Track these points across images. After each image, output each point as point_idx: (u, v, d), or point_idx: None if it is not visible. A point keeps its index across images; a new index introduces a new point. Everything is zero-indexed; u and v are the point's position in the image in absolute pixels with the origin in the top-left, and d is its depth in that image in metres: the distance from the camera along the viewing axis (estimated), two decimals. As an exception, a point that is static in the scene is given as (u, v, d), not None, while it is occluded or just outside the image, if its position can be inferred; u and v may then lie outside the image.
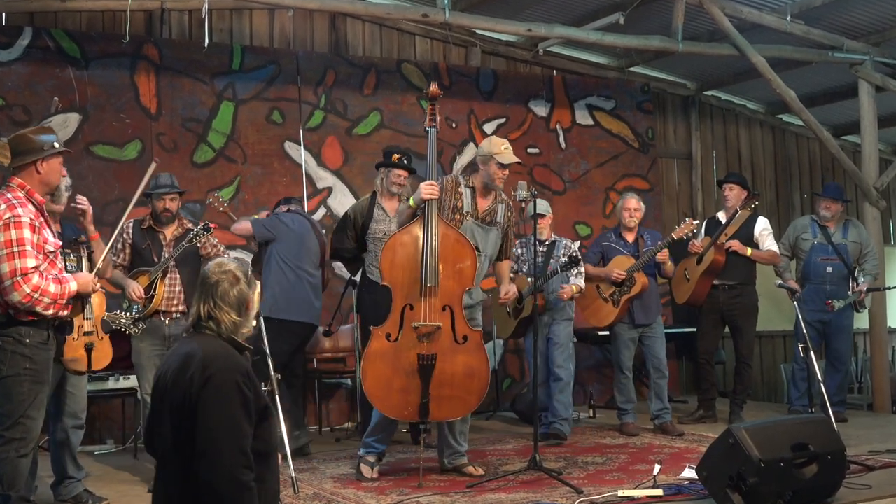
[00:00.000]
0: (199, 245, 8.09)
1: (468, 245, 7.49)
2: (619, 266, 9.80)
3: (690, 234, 9.87)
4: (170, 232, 8.18)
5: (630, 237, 10.03)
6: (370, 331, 7.50)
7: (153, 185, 8.13)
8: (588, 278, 9.98)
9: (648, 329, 9.96)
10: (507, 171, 7.82)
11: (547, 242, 9.72)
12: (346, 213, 9.27)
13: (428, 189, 7.42)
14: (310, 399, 11.08)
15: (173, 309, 7.98)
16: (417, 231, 7.42)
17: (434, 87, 7.75)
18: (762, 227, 10.43)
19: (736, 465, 6.17)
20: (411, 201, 7.57)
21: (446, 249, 7.40)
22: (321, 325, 10.67)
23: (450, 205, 7.70)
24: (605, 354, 12.38)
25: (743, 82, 13.60)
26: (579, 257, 9.38)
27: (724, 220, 10.39)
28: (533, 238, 8.29)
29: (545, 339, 9.62)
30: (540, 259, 9.49)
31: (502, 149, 7.77)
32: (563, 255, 9.52)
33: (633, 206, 10.00)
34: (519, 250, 9.80)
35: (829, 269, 10.64)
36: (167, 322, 7.97)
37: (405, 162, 9.32)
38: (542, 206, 9.65)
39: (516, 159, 7.86)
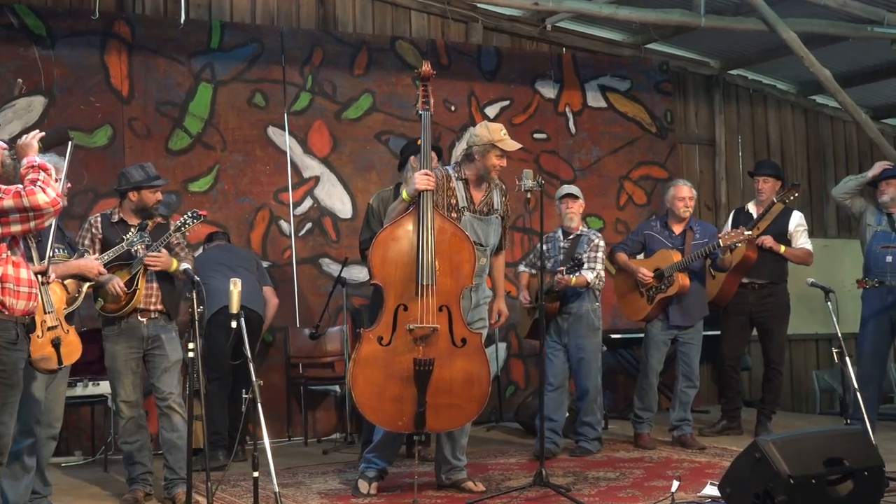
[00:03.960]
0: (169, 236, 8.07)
1: (466, 239, 7.45)
2: (664, 261, 9.71)
3: (738, 245, 9.73)
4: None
5: (678, 228, 9.90)
6: (360, 333, 7.47)
7: (145, 177, 8.09)
8: (620, 269, 10.03)
9: (685, 332, 9.87)
10: (505, 161, 7.75)
11: (571, 236, 9.59)
12: (368, 206, 9.03)
13: (423, 179, 7.36)
14: (295, 408, 11.12)
15: (152, 307, 7.91)
16: (411, 225, 7.38)
17: (426, 67, 7.70)
18: (797, 222, 10.33)
19: (763, 481, 6.13)
20: (404, 194, 7.49)
21: (443, 244, 7.36)
22: (309, 327, 10.72)
23: (443, 202, 7.60)
24: (619, 360, 12.37)
25: (772, 60, 13.54)
26: (583, 260, 9.27)
27: (755, 213, 10.32)
28: (540, 231, 8.24)
29: (567, 352, 9.57)
30: (559, 258, 9.50)
31: (502, 135, 7.66)
32: (583, 254, 9.40)
33: (687, 195, 9.88)
34: (546, 245, 9.64)
35: (889, 259, 10.33)
36: (145, 322, 7.91)
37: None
38: (572, 188, 9.71)
39: (519, 145, 7.80)
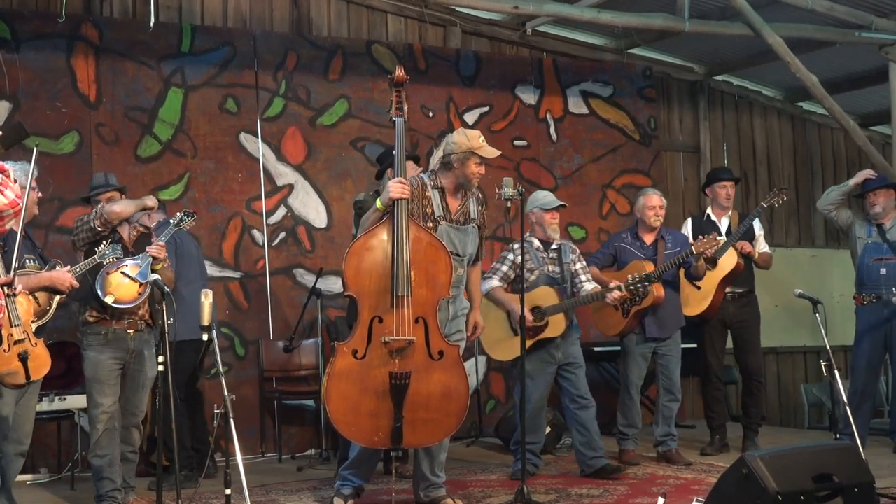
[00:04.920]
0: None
1: (442, 249, 7.38)
2: (637, 272, 9.53)
3: (711, 251, 9.62)
4: (125, 233, 8.13)
5: (649, 238, 9.86)
6: (334, 347, 7.41)
7: (90, 187, 8.22)
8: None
9: (663, 344, 9.80)
10: (484, 168, 7.70)
11: (553, 246, 9.34)
12: (355, 203, 9.06)
13: (397, 188, 7.28)
14: (268, 423, 11.06)
15: (137, 317, 7.89)
16: (385, 234, 7.31)
17: (400, 72, 7.61)
18: (759, 226, 10.34)
19: (750, 498, 6.08)
20: (378, 203, 7.41)
21: (419, 254, 7.29)
22: (283, 340, 10.67)
23: (418, 212, 7.55)
24: (602, 373, 12.32)
25: (758, 66, 13.58)
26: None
27: (716, 220, 10.29)
28: (521, 240, 8.18)
29: (556, 364, 9.26)
30: (550, 268, 9.21)
31: (480, 142, 7.62)
32: (574, 263, 9.27)
33: (657, 204, 9.83)
34: (511, 255, 9.26)
35: (884, 271, 10.24)
36: (132, 333, 7.89)
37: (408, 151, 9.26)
38: (552, 197, 9.39)
39: (498, 152, 7.78)
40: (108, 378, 7.81)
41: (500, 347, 9.38)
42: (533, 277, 9.19)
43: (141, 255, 7.79)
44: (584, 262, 9.39)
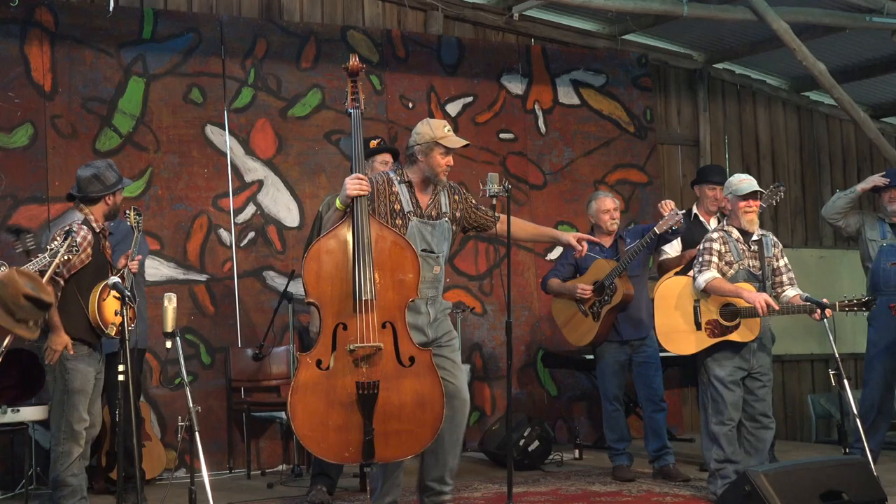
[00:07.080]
0: None
1: (408, 247, 7.26)
2: (601, 271, 9.55)
3: (677, 228, 9.36)
4: (106, 247, 8.24)
5: (607, 242, 9.82)
6: (297, 357, 7.30)
7: (118, 178, 8.20)
8: (557, 295, 9.91)
9: (639, 350, 9.69)
10: (451, 159, 7.58)
11: (754, 238, 8.68)
12: (318, 213, 9.05)
13: (354, 184, 7.16)
14: (237, 436, 10.99)
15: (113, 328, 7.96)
16: (346, 234, 7.19)
17: (354, 61, 7.53)
18: None
19: (752, 518, 6.00)
20: (337, 202, 7.31)
21: (382, 255, 7.18)
22: (252, 347, 10.60)
23: (386, 209, 7.45)
24: (594, 382, 12.18)
25: (762, 53, 13.56)
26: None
27: (704, 221, 10.08)
28: (507, 242, 7.99)
29: (748, 373, 8.70)
30: (750, 262, 8.59)
31: (445, 131, 7.54)
32: (777, 259, 8.75)
33: (611, 207, 9.80)
34: (717, 245, 8.60)
35: None
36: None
37: (385, 144, 9.25)
38: (749, 182, 8.74)
39: (464, 142, 7.67)
40: (90, 390, 7.89)
41: (680, 340, 8.71)
42: (732, 272, 8.59)
43: (126, 273, 7.97)
44: (787, 260, 8.85)
